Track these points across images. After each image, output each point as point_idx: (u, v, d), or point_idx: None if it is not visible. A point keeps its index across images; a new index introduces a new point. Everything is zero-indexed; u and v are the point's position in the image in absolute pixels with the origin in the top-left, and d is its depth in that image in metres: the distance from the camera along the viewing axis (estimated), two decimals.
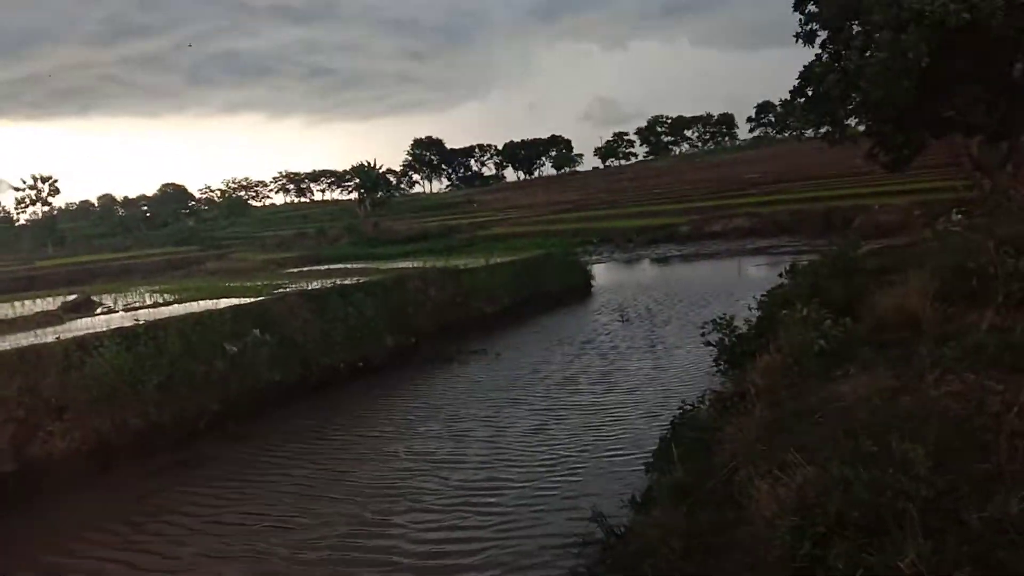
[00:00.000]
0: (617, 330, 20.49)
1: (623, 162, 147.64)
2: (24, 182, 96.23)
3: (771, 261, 31.82)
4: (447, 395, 15.29)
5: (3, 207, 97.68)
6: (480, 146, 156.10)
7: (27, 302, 22.20)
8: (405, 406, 14.79)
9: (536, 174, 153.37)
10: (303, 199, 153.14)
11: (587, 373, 15.88)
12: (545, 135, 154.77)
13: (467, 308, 22.67)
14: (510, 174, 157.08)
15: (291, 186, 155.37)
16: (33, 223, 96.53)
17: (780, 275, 14.14)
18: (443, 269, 23.57)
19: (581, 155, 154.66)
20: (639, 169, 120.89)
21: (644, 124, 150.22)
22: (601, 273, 33.69)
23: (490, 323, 22.65)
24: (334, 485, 10.54)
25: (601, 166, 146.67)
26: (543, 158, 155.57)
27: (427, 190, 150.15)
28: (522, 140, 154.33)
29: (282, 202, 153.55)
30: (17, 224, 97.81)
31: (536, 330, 22.04)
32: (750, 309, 13.20)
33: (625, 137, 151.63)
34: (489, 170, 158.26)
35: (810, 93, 22.45)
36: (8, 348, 12.74)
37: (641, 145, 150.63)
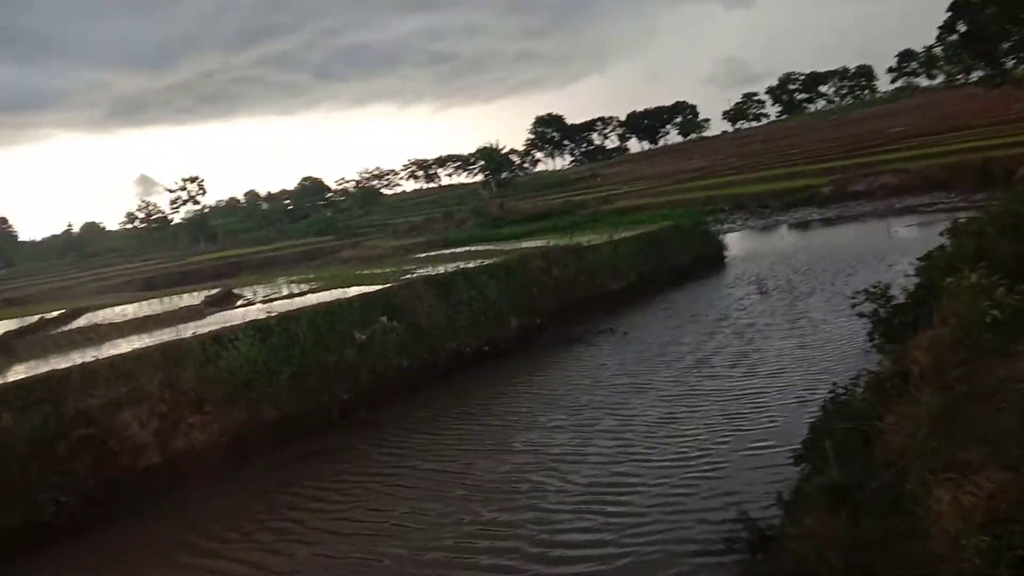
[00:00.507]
0: (754, 304, 19.17)
1: (754, 124, 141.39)
2: (176, 183, 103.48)
3: (923, 220, 29.19)
4: (571, 380, 14.69)
5: (159, 208, 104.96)
6: (601, 119, 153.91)
7: (174, 297, 23.51)
8: (529, 393, 14.33)
9: (661, 143, 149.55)
10: (431, 184, 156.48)
11: (722, 354, 14.73)
12: (668, 102, 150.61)
13: (591, 286, 22.02)
14: (634, 145, 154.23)
15: (420, 172, 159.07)
16: (187, 221, 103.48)
17: (941, 235, 12.60)
18: (566, 247, 23.00)
19: (708, 120, 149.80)
20: (771, 130, 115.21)
21: (775, 83, 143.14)
22: (734, 242, 32.03)
23: (616, 300, 21.86)
24: (456, 481, 10.21)
25: (730, 130, 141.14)
26: (667, 126, 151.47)
27: (550, 168, 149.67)
28: (644, 109, 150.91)
29: (411, 189, 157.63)
30: (172, 223, 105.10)
31: (665, 307, 21.08)
32: (906, 276, 11.84)
33: (755, 98, 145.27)
34: (612, 143, 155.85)
35: (963, 30, 20.13)
36: (151, 344, 13.33)
37: (773, 105, 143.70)
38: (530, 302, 19.46)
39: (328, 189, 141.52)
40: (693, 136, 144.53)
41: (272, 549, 8.89)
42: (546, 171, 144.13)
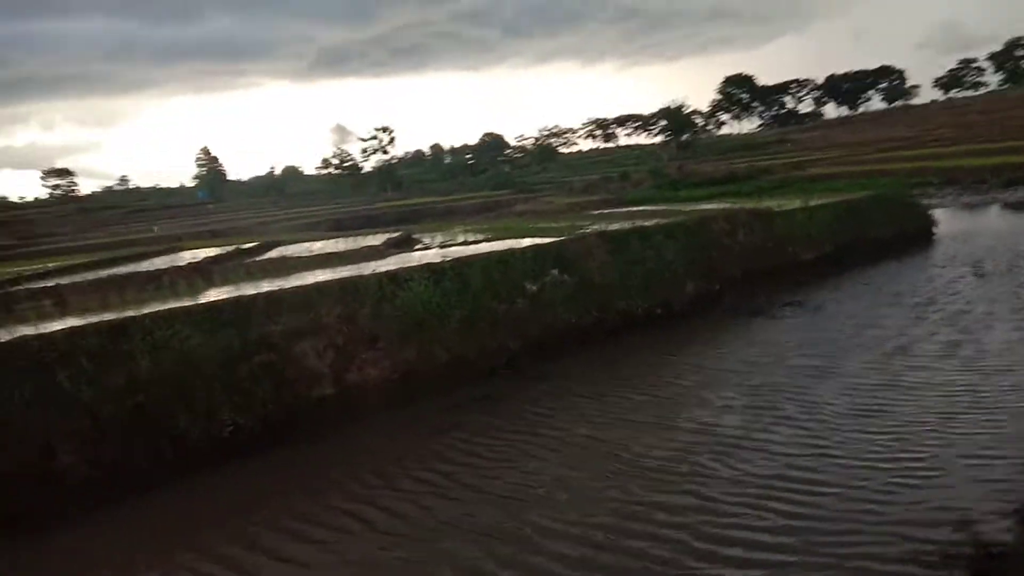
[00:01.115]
0: (969, 288, 16.91)
1: (971, 93, 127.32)
2: (369, 133, 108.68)
3: None
4: (749, 356, 13.44)
5: (352, 156, 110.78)
6: (796, 81, 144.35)
7: (359, 238, 24.40)
8: (700, 365, 13.28)
9: (861, 109, 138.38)
10: (609, 144, 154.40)
11: (931, 342, 12.90)
12: (872, 66, 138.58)
13: (780, 254, 20.46)
14: (830, 111, 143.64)
15: (598, 131, 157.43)
16: (376, 170, 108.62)
17: None
18: (753, 210, 21.49)
19: (916, 87, 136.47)
20: (992, 100, 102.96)
21: (999, 48, 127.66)
22: (944, 219, 28.77)
23: (806, 272, 20.19)
24: (612, 453, 9.46)
25: (941, 98, 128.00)
26: (870, 92, 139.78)
27: (736, 131, 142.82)
28: (845, 73, 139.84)
29: (588, 148, 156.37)
30: (362, 171, 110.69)
31: (862, 283, 19.17)
32: None
33: (973, 64, 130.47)
34: (806, 107, 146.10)
35: None
36: (332, 279, 13.69)
37: (996, 72, 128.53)
38: (710, 266, 18.34)
39: (507, 145, 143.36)
40: (899, 104, 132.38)
41: (414, 500, 8.72)
42: (731, 134, 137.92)
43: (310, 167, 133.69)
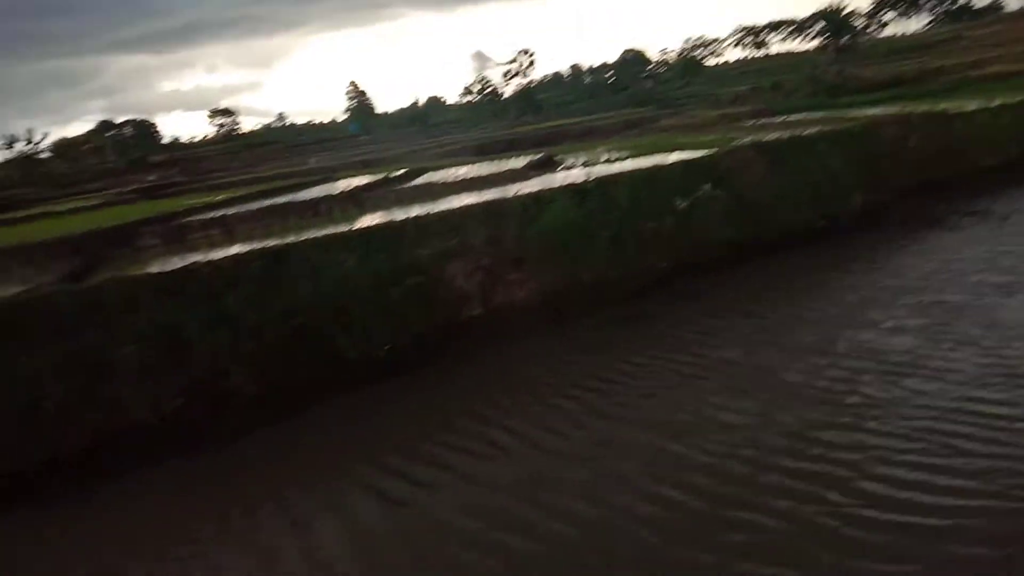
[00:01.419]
0: None
1: None
2: (510, 56, 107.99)
3: None
4: (924, 270, 12.18)
5: (492, 82, 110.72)
6: None
7: (501, 162, 24.31)
8: (867, 282, 12.16)
9: None
10: (759, 53, 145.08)
11: None
12: None
13: (959, 161, 18.47)
14: (1012, 3, 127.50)
15: (748, 39, 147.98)
16: (516, 94, 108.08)
17: None
18: (928, 114, 19.45)
19: None
20: None
21: None
22: None
23: (988, 179, 18.17)
24: (767, 380, 8.83)
25: None
26: None
27: (902, 31, 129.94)
28: None
29: (737, 58, 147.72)
30: (503, 97, 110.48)
31: None
32: None
33: None
34: (981, 1, 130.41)
35: None
36: (477, 201, 13.66)
37: None
38: (880, 175, 16.82)
39: (649, 61, 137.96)
40: None
41: (547, 425, 8.60)
42: (897, 35, 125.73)
43: (452, 96, 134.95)
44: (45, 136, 70.58)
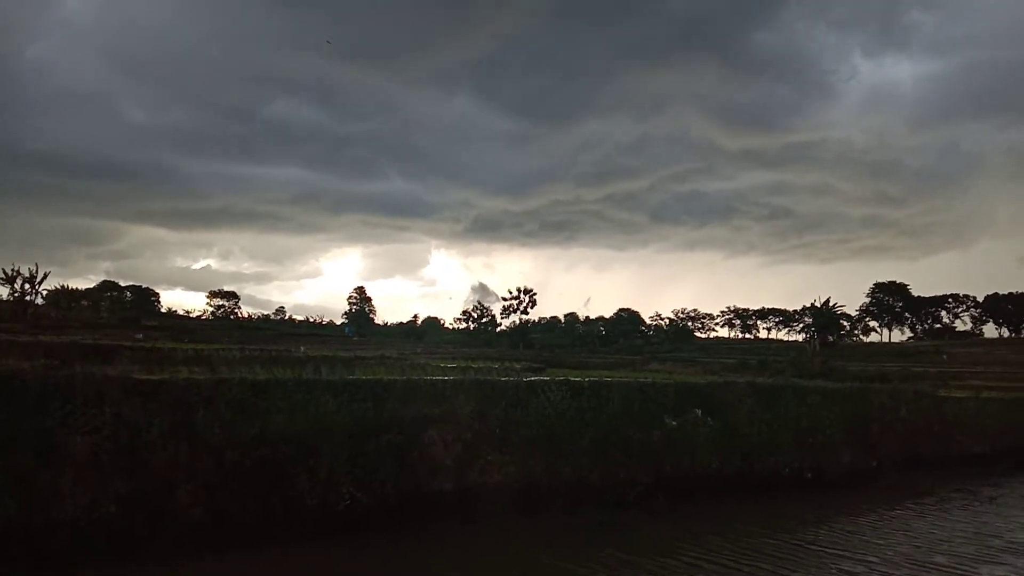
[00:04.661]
0: None
1: None
2: (511, 293, 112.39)
3: None
4: (912, 544, 11.46)
5: (490, 311, 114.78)
6: (954, 296, 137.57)
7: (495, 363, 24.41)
8: (868, 545, 11.17)
9: None
10: (747, 335, 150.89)
11: None
12: None
13: (946, 441, 18.49)
14: (990, 330, 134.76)
15: (737, 321, 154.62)
16: (511, 329, 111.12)
17: None
18: (918, 391, 19.83)
19: None
20: None
21: None
22: None
23: (975, 464, 18.13)
24: None
25: None
26: None
27: (885, 339, 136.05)
28: (1009, 293, 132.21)
29: (725, 336, 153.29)
30: (499, 328, 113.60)
31: None
32: None
33: None
34: (963, 324, 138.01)
35: None
36: (467, 377, 13.48)
37: None
38: (868, 439, 16.73)
39: (643, 321, 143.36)
40: None
41: None
42: (879, 342, 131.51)
43: (450, 318, 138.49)
44: (46, 276, 71.04)
